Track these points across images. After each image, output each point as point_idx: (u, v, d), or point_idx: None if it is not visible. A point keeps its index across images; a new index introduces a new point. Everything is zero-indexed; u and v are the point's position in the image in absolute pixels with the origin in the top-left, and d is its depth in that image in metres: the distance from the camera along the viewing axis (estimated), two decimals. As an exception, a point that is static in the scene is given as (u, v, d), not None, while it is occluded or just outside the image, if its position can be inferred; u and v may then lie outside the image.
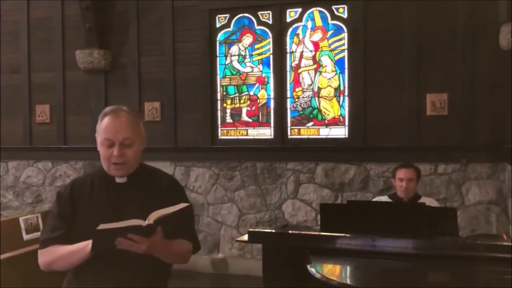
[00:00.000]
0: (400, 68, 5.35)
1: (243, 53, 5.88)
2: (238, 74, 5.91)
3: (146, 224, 1.85)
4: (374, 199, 4.74)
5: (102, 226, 1.80)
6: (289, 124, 5.76)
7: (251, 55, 5.86)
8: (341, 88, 5.59)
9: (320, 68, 5.66)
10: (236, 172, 5.85)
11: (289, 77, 5.74)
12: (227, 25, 5.91)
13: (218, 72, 5.95)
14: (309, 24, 5.68)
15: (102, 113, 2.11)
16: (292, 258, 3.07)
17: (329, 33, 5.62)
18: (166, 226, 1.94)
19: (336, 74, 5.61)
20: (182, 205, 1.95)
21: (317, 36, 5.66)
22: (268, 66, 5.80)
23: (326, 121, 5.65)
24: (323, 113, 5.66)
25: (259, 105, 5.86)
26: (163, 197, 2.06)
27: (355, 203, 4.41)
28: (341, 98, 5.60)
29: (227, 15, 5.90)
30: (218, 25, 5.93)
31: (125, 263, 2.00)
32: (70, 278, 2.15)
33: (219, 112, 5.96)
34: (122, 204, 2.07)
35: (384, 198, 4.30)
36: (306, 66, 5.71)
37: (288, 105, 5.75)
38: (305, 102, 5.71)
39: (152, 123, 5.94)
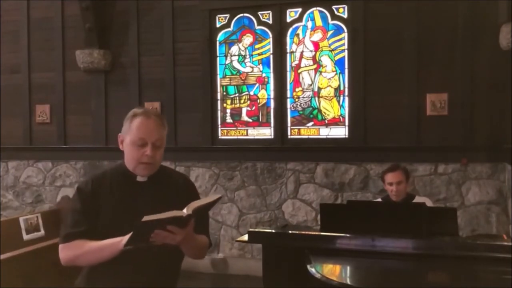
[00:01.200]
0: (400, 68, 5.35)
1: (243, 53, 5.89)
2: (238, 74, 5.91)
3: (186, 214, 1.88)
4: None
5: (146, 218, 1.81)
6: (289, 124, 5.76)
7: (251, 55, 5.86)
8: (341, 88, 5.59)
9: (320, 68, 5.66)
10: (236, 172, 5.85)
11: (289, 77, 5.74)
12: (227, 25, 5.91)
13: (218, 72, 5.95)
14: (309, 24, 5.68)
15: (132, 113, 2.15)
16: (292, 258, 3.07)
17: (329, 33, 5.62)
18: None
19: (336, 74, 5.61)
20: (216, 196, 2.02)
21: (317, 36, 5.66)
22: (268, 66, 5.80)
23: (326, 121, 5.65)
24: (323, 113, 5.66)
25: (259, 105, 5.86)
26: (180, 196, 2.12)
27: (355, 203, 4.41)
28: (341, 98, 5.60)
29: (227, 15, 5.90)
30: (218, 25, 5.93)
31: (140, 262, 2.04)
32: (84, 275, 2.17)
33: (219, 112, 5.96)
34: (142, 201, 2.10)
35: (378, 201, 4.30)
36: (306, 66, 5.71)
37: (288, 105, 5.75)
38: (305, 102, 5.71)
39: (152, 123, 5.93)
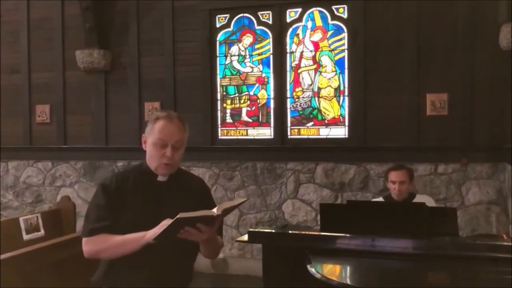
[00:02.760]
0: (400, 68, 5.35)
1: (243, 53, 5.89)
2: (238, 74, 5.91)
3: (216, 214, 2.00)
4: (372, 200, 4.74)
5: (181, 215, 1.92)
6: (289, 124, 5.76)
7: (251, 55, 5.86)
8: (341, 88, 5.59)
9: (320, 68, 5.66)
10: (236, 172, 5.85)
11: (289, 77, 5.74)
12: (227, 25, 5.91)
13: (218, 72, 5.95)
14: (309, 24, 5.68)
15: (154, 116, 2.27)
16: (292, 258, 3.07)
17: (329, 33, 5.62)
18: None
19: (336, 74, 5.61)
20: (243, 199, 2.25)
21: (317, 36, 5.66)
22: (268, 66, 5.80)
23: (326, 121, 5.65)
24: (323, 113, 5.66)
25: (259, 105, 5.86)
26: (196, 197, 2.26)
27: (355, 203, 4.41)
28: (341, 98, 5.60)
29: (227, 15, 5.90)
30: (218, 25, 5.93)
31: (156, 264, 2.15)
32: (101, 275, 2.24)
33: (219, 112, 5.96)
34: (162, 200, 2.22)
35: (379, 200, 4.30)
36: (306, 66, 5.71)
37: (288, 105, 5.75)
38: (305, 102, 5.71)
39: (152, 123, 5.93)
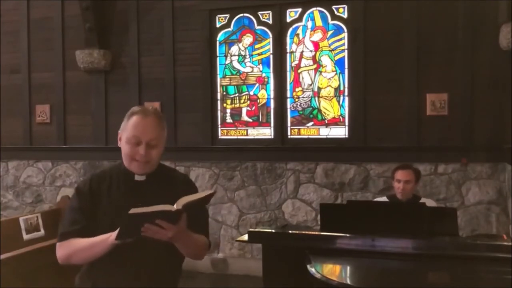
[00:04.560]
0: (400, 68, 5.35)
1: (243, 53, 5.89)
2: (238, 74, 5.91)
3: (175, 209, 1.86)
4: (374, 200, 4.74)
5: (133, 211, 1.81)
6: (289, 124, 5.76)
7: (251, 55, 5.86)
8: (341, 88, 5.59)
9: (320, 68, 5.66)
10: (236, 172, 5.85)
11: (289, 77, 5.74)
12: (227, 25, 5.91)
13: (218, 72, 5.95)
14: (309, 24, 5.68)
15: (130, 111, 2.15)
16: (292, 258, 3.07)
17: (329, 33, 5.62)
18: (188, 217, 1.96)
19: (336, 74, 5.61)
20: (208, 191, 2.00)
21: (317, 36, 5.66)
22: (268, 66, 5.80)
23: (326, 121, 5.65)
24: (323, 113, 5.66)
25: (259, 105, 5.86)
26: (180, 195, 2.08)
27: (355, 203, 4.41)
28: (341, 98, 5.60)
29: (227, 15, 5.90)
30: (218, 25, 5.93)
31: (139, 261, 2.06)
32: (83, 275, 2.17)
33: (219, 112, 5.96)
34: (140, 201, 2.07)
35: (383, 199, 4.30)
36: (306, 66, 5.71)
37: (288, 105, 5.75)
38: (305, 102, 5.71)
39: (152, 123, 5.93)
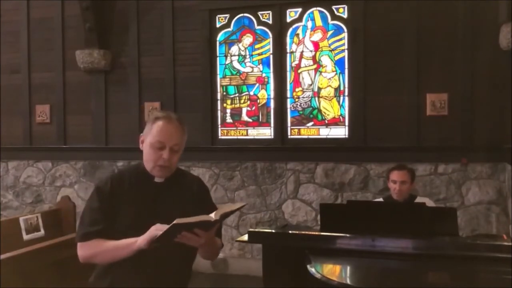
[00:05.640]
0: (400, 68, 5.35)
1: (243, 53, 5.89)
2: (238, 74, 5.91)
3: (214, 219, 1.96)
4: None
5: (177, 221, 1.89)
6: (289, 124, 5.76)
7: (251, 55, 5.86)
8: (341, 88, 5.59)
9: (320, 68, 5.66)
10: (236, 172, 5.85)
11: (289, 77, 5.74)
12: (227, 25, 5.91)
13: (218, 72, 5.95)
14: (309, 24, 5.68)
15: (153, 116, 2.21)
16: (292, 258, 3.07)
17: (329, 33, 5.62)
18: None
19: (336, 74, 5.61)
20: (241, 203, 2.17)
21: (317, 36, 5.66)
22: (268, 66, 5.80)
23: (326, 121, 5.65)
24: (323, 113, 5.66)
25: (259, 105, 5.86)
26: (194, 198, 2.20)
27: (355, 203, 4.41)
28: (341, 98, 5.60)
29: (227, 15, 5.90)
30: (218, 25, 5.93)
31: (156, 262, 2.12)
32: (100, 274, 2.22)
33: (219, 112, 5.96)
34: (159, 202, 2.17)
35: (379, 200, 4.30)
36: (306, 66, 5.71)
37: (288, 105, 5.75)
38: (305, 102, 5.71)
39: (152, 123, 5.93)
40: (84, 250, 2.14)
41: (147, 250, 2.02)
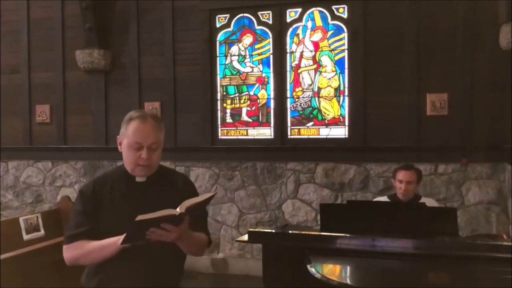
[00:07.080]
0: (400, 68, 5.35)
1: (243, 53, 5.89)
2: (238, 74, 5.91)
3: (179, 213, 1.94)
4: (374, 200, 4.73)
5: (139, 218, 1.88)
6: (289, 124, 5.76)
7: (251, 55, 5.86)
8: (341, 88, 5.59)
9: (320, 68, 5.66)
10: (236, 172, 5.85)
11: (289, 77, 5.74)
12: (227, 25, 5.91)
13: (218, 72, 5.95)
14: (309, 24, 5.68)
15: (128, 117, 2.21)
16: (292, 258, 3.07)
17: (329, 33, 5.62)
18: (189, 217, 2.03)
19: (336, 74, 5.61)
20: (209, 194, 2.09)
21: (317, 36, 5.66)
22: (268, 66, 5.80)
23: (326, 121, 5.65)
24: (323, 113, 5.66)
25: (259, 105, 5.86)
26: (180, 196, 2.15)
27: (355, 203, 4.41)
28: (341, 98, 5.60)
29: (227, 15, 5.90)
30: (218, 25, 5.93)
31: (145, 261, 2.12)
32: (89, 274, 2.22)
33: (219, 112, 5.96)
34: (142, 201, 2.17)
35: (384, 199, 4.30)
36: (306, 66, 5.71)
37: (288, 105, 5.75)
38: (305, 102, 5.71)
39: (152, 123, 5.93)
40: (69, 252, 2.17)
41: (136, 249, 2.03)
